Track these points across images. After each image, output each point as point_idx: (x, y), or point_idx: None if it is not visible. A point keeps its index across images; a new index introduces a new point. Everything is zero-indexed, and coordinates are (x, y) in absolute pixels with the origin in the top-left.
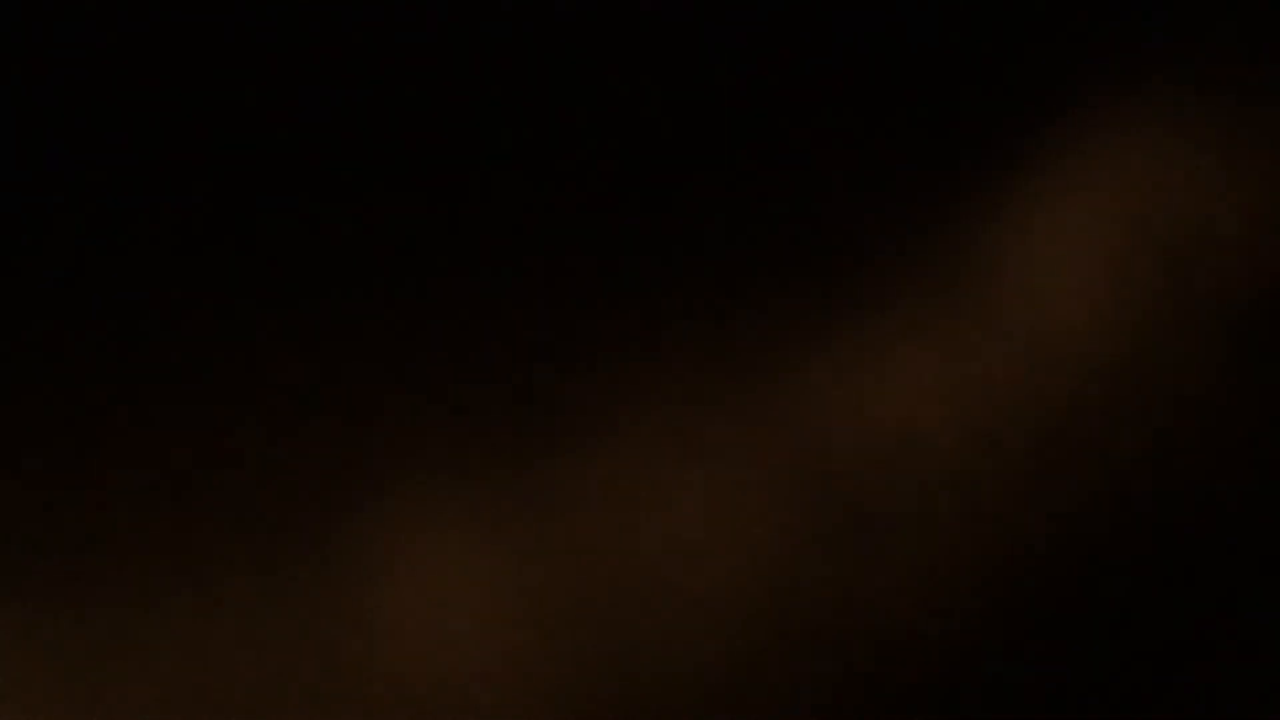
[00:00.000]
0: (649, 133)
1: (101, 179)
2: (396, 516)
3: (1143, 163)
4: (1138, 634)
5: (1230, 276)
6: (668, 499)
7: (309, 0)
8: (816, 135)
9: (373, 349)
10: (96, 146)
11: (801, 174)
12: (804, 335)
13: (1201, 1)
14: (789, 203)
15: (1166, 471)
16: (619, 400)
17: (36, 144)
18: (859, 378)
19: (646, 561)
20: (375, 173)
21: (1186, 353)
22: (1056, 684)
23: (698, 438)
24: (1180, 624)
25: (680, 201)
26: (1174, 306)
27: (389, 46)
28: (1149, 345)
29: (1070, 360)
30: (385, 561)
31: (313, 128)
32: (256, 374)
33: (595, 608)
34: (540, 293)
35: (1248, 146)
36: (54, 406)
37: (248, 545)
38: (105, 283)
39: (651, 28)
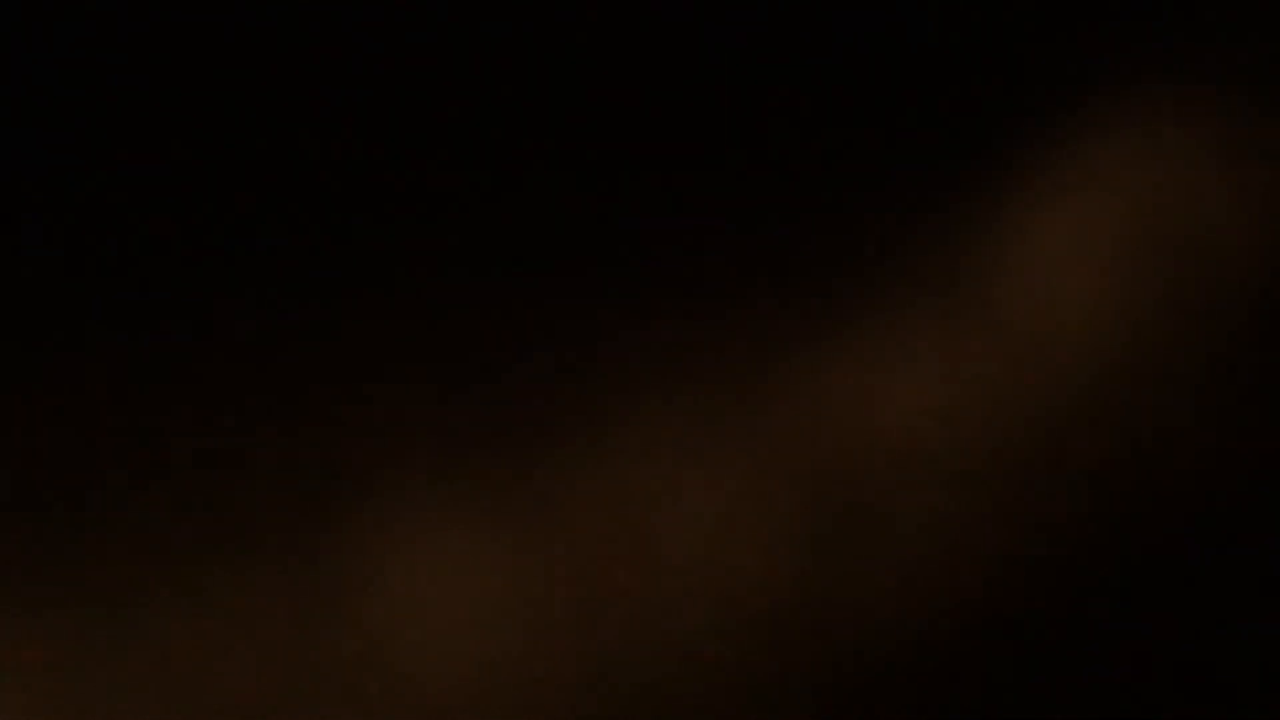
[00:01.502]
0: (647, 133)
1: (90, 177)
2: (391, 517)
3: (1143, 163)
4: (1137, 634)
5: (1231, 276)
6: (665, 500)
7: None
8: (814, 137)
9: (367, 349)
10: (89, 143)
11: (799, 176)
12: (803, 336)
13: (1202, 1)
14: (787, 204)
15: (1165, 471)
16: (616, 401)
17: (32, 139)
18: (858, 378)
19: (643, 563)
20: (366, 173)
21: (1187, 352)
22: (1056, 684)
23: (696, 438)
24: (1180, 624)
25: (679, 203)
26: (1174, 306)
27: (375, 45)
28: (1149, 344)
29: (1070, 360)
30: (380, 562)
31: (303, 130)
32: (248, 374)
33: (591, 609)
34: (537, 294)
35: (1249, 145)
36: (42, 405)
37: (240, 546)
38: (96, 282)
39: (647, 30)
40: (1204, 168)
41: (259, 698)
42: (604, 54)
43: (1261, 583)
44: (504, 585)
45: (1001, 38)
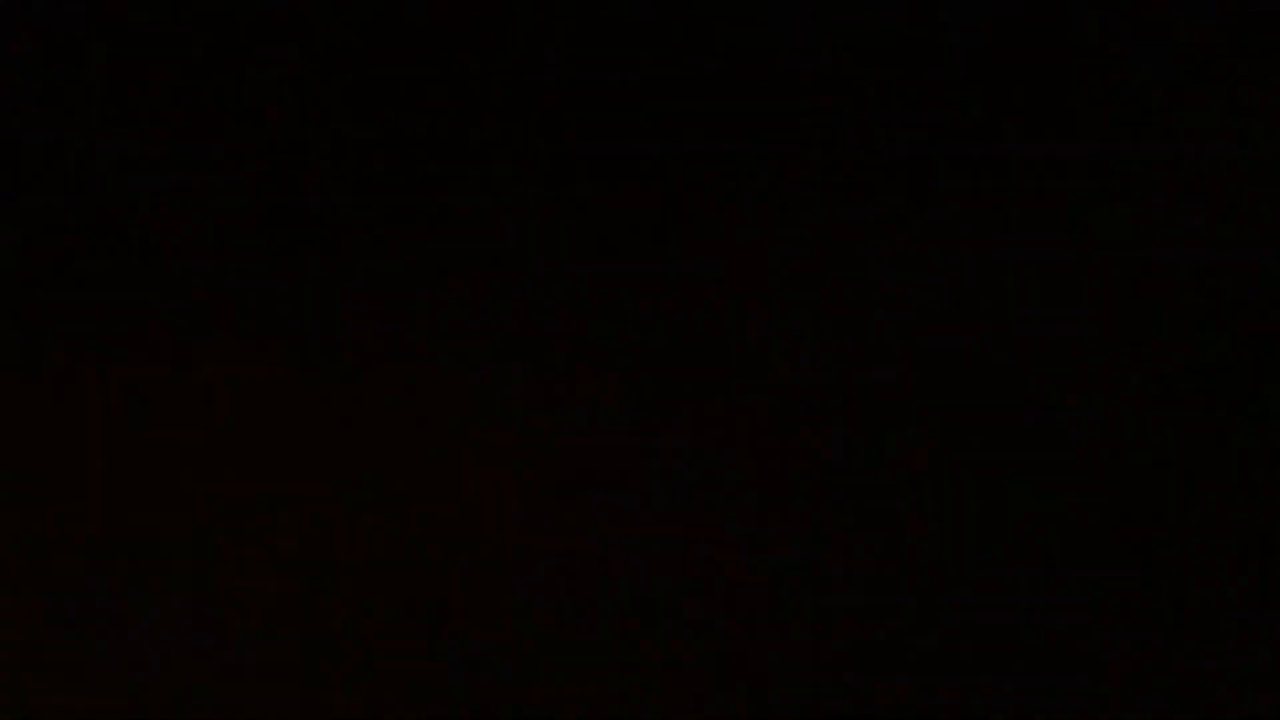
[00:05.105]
0: (644, 130)
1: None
2: None
3: (1142, 164)
4: (1133, 634)
5: (1233, 277)
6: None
7: None
8: (809, 139)
9: None
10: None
11: (793, 177)
12: (795, 335)
13: (1202, 1)
14: (780, 205)
15: (1163, 471)
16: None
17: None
18: (854, 378)
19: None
20: (363, 175)
21: (1188, 353)
22: (1051, 682)
23: (689, 428)
24: (1177, 625)
25: (676, 202)
26: (1176, 306)
27: (365, 43)
28: (1150, 345)
29: (1066, 360)
30: None
31: (298, 129)
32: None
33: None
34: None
35: (1248, 146)
36: None
37: None
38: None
39: (644, 31)
40: (1204, 167)
41: None
42: (600, 54)
43: (1261, 582)
44: None
45: (1000, 37)
